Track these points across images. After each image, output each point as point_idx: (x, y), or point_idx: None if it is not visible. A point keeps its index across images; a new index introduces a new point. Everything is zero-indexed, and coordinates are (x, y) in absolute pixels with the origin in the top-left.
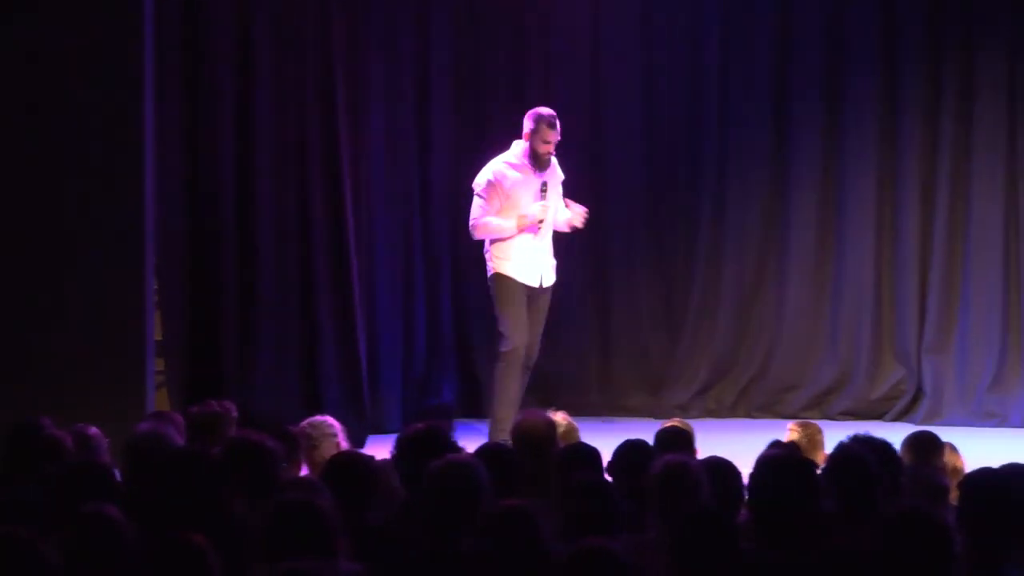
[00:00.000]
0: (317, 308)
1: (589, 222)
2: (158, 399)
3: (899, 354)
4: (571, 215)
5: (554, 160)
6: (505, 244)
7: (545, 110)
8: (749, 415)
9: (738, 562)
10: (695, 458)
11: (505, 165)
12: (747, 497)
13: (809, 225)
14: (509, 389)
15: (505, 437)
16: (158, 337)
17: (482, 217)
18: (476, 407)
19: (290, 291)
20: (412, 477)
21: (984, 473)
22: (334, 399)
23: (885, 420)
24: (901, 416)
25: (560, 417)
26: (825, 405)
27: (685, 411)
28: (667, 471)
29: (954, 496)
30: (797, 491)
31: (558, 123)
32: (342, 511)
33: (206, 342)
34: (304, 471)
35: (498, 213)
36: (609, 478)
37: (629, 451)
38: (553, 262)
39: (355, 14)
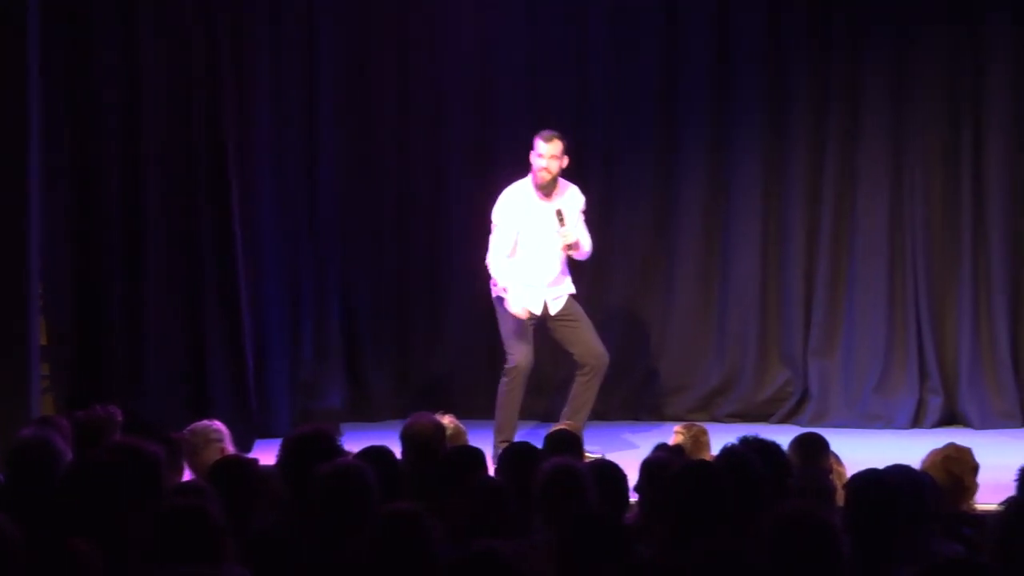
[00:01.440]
0: (204, 312)
1: (475, 223)
2: (43, 404)
3: (785, 356)
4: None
5: (571, 187)
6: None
7: (546, 130)
8: (637, 417)
9: (625, 564)
10: (582, 460)
11: (512, 191)
12: (639, 500)
13: (696, 228)
14: (511, 404)
15: (501, 443)
16: (43, 342)
17: (497, 258)
18: (363, 411)
19: (176, 295)
20: (298, 481)
21: (870, 474)
22: (221, 403)
23: (771, 422)
24: (787, 418)
25: (448, 420)
26: (712, 407)
27: None
28: (554, 473)
29: (840, 498)
30: (697, 495)
31: (557, 140)
32: (228, 515)
33: (91, 347)
34: (188, 476)
35: (515, 243)
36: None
37: (518, 453)
38: (560, 289)
39: (240, 17)
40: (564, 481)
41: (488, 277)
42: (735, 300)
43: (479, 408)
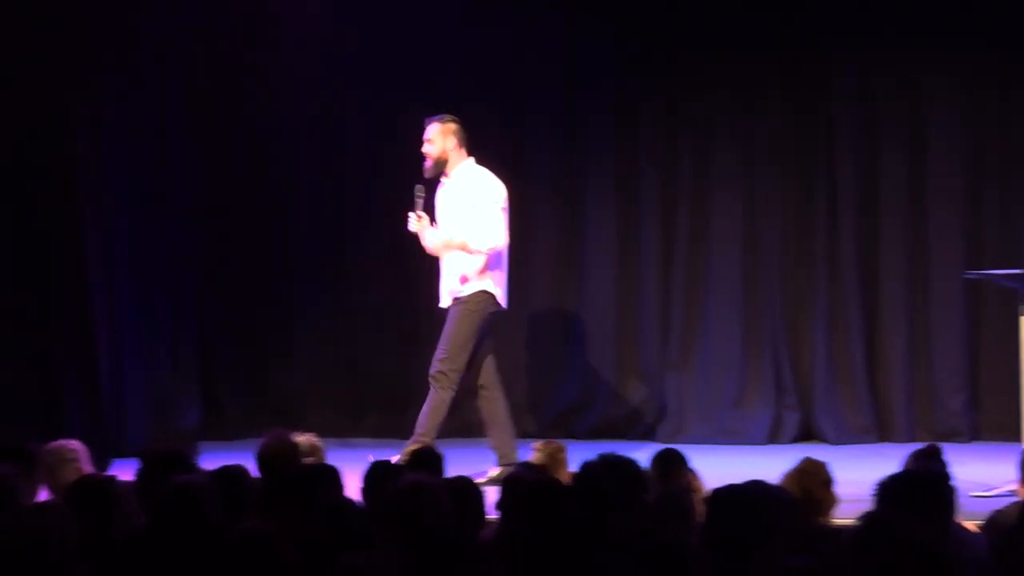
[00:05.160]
0: (58, 329)
1: (325, 245)
2: None
3: (642, 373)
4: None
5: (473, 175)
6: None
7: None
8: None
9: None
10: (439, 478)
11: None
12: (500, 517)
13: (552, 246)
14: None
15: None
16: None
17: None
18: (220, 430)
19: (28, 311)
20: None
21: (730, 490)
22: (77, 422)
23: (629, 439)
24: (645, 435)
25: (304, 438)
26: (570, 424)
27: None
28: (410, 490)
29: (699, 514)
30: (546, 511)
31: (430, 123)
32: (85, 535)
33: None
34: (44, 495)
35: None
36: (361, 498)
37: (380, 470)
38: (454, 282)
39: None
40: (419, 498)
41: None
42: (591, 317)
43: (336, 425)
